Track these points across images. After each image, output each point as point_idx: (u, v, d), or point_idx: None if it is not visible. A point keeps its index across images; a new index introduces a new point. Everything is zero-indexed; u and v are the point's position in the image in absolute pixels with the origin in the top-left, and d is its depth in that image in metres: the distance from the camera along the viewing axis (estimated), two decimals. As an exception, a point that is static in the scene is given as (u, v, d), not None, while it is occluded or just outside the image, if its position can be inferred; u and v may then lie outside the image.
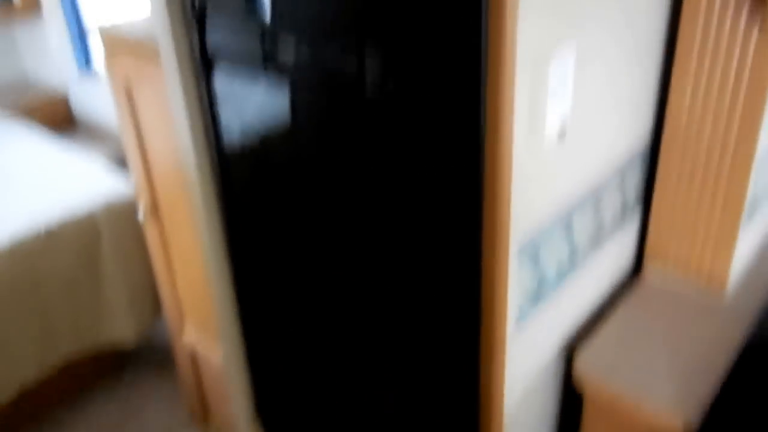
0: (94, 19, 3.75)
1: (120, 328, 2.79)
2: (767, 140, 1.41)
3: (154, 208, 2.13)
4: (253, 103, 1.38)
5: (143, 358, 3.18)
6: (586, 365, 1.34)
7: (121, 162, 3.43)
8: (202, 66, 1.46)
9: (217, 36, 1.39)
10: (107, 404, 2.93)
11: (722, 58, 1.31)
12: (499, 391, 1.21)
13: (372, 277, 1.35)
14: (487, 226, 1.07)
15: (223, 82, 1.44)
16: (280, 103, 1.33)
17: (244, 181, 1.57)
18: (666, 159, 1.46)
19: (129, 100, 1.96)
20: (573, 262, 1.32)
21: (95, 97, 3.88)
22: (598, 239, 1.40)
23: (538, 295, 1.23)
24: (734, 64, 1.30)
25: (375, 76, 1.09)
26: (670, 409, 1.21)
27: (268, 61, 1.28)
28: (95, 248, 2.68)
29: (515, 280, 1.12)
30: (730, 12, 1.26)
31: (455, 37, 0.96)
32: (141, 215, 2.18)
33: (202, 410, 2.57)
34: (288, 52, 1.23)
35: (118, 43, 1.88)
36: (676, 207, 1.49)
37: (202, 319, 2.21)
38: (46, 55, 4.08)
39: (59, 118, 4.08)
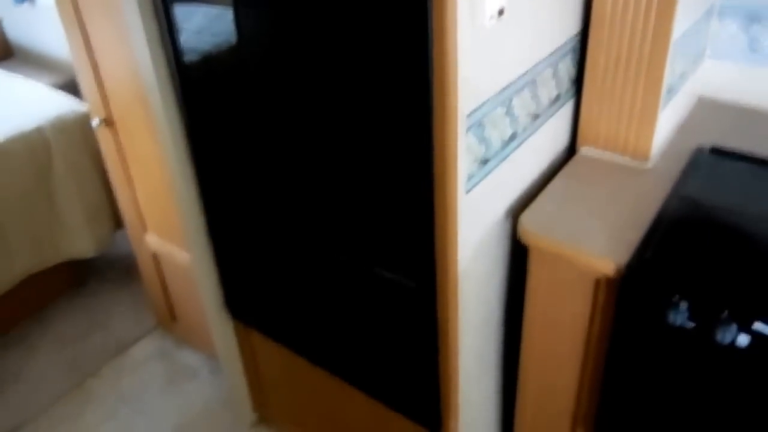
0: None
1: (79, 242, 2.84)
2: (683, 26, 1.55)
3: (108, 119, 2.17)
4: (212, 12, 1.45)
5: (105, 268, 3.26)
6: (529, 222, 1.50)
7: (64, 88, 3.41)
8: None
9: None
10: (72, 315, 3.01)
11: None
12: (453, 246, 1.35)
13: (332, 163, 1.46)
14: (437, 98, 1.18)
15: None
16: (239, 10, 1.40)
17: (204, 86, 1.63)
18: (593, 47, 1.59)
19: (75, 8, 1.96)
20: (515, 136, 1.47)
21: (32, 26, 3.80)
22: (536, 118, 1.54)
23: (485, 163, 1.37)
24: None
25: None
26: (604, 253, 1.38)
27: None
28: (46, 162, 2.71)
29: (463, 148, 1.25)
30: None
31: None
32: (95, 125, 2.22)
33: (168, 313, 2.67)
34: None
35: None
36: (604, 91, 1.63)
37: (164, 224, 2.29)
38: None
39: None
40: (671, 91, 1.64)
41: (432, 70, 1.16)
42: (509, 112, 1.41)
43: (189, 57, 1.59)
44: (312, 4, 1.26)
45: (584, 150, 1.73)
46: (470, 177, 1.33)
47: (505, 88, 1.36)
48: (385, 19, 1.17)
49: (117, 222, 2.89)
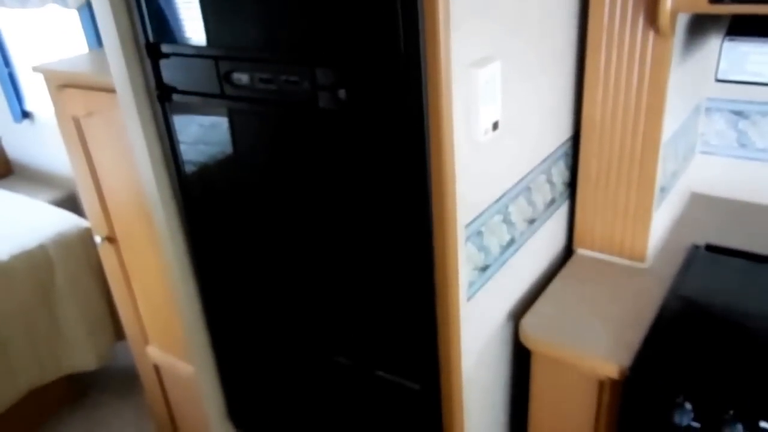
0: (25, 65, 3.74)
1: (80, 355, 2.83)
2: (672, 127, 1.60)
3: (111, 236, 2.20)
4: (213, 127, 1.50)
5: (107, 379, 3.23)
6: (530, 326, 1.50)
7: (63, 203, 3.49)
8: (159, 96, 1.54)
9: (172, 66, 1.49)
10: (73, 428, 2.96)
11: (626, 58, 1.49)
12: (456, 353, 1.36)
13: (334, 275, 1.48)
14: (436, 212, 1.22)
15: (181, 110, 1.54)
16: (240, 124, 1.45)
17: (206, 201, 1.66)
18: (585, 151, 1.64)
19: (79, 132, 2.02)
20: (513, 241, 1.49)
21: (31, 143, 3.90)
22: (533, 222, 1.57)
23: (484, 270, 1.39)
24: (636, 62, 1.48)
25: (327, 89, 1.23)
26: (606, 356, 1.38)
27: (224, 86, 1.39)
28: (48, 278, 2.73)
29: (463, 258, 1.27)
30: (629, 18, 1.44)
31: (399, 54, 1.11)
32: (98, 242, 2.25)
33: (171, 425, 2.63)
34: (243, 76, 1.36)
35: (63, 77, 1.95)
36: (598, 194, 1.67)
37: (166, 337, 2.28)
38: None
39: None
40: (664, 191, 1.68)
41: (430, 185, 1.19)
42: (506, 219, 1.43)
43: (189, 169, 1.63)
44: (310, 117, 1.30)
45: (581, 251, 1.75)
46: (471, 284, 1.34)
47: (501, 197, 1.39)
48: (384, 138, 1.21)
49: (118, 333, 2.88)
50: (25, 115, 3.83)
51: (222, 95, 1.40)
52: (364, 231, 1.36)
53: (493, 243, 1.40)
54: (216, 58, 1.37)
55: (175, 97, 1.50)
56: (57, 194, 3.67)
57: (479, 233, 1.33)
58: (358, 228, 1.36)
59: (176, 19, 1.41)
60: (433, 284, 1.30)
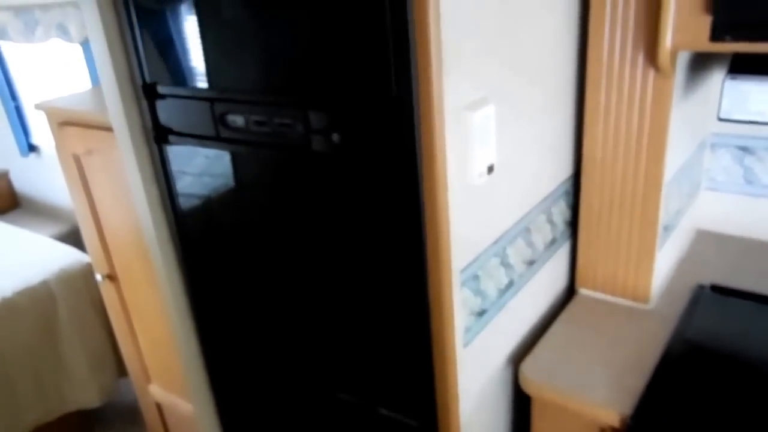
0: (31, 99, 3.79)
1: (84, 391, 2.82)
2: (675, 165, 1.58)
3: (112, 274, 2.20)
4: (210, 168, 1.49)
5: (111, 416, 3.22)
6: (530, 371, 1.47)
7: (68, 237, 3.50)
8: (156, 137, 1.54)
9: (168, 107, 1.49)
10: (77, 467, 2.94)
11: (626, 96, 1.47)
12: (453, 397, 1.33)
13: (332, 314, 1.46)
14: (430, 258, 1.20)
15: (177, 150, 1.53)
16: (235, 166, 1.44)
17: (203, 241, 1.65)
18: (586, 190, 1.62)
19: (79, 169, 2.03)
20: (511, 284, 1.46)
21: (38, 176, 3.94)
22: (532, 263, 1.54)
23: (482, 315, 1.36)
24: (637, 101, 1.46)
25: (320, 132, 1.22)
26: (607, 403, 1.35)
27: (219, 128, 1.39)
28: (52, 314, 2.74)
29: (459, 303, 1.25)
30: (628, 57, 1.43)
31: (391, 98, 1.10)
32: (99, 280, 2.25)
33: (172, 464, 2.61)
34: (238, 118, 1.35)
35: (64, 115, 1.96)
36: (600, 233, 1.64)
37: (167, 376, 2.27)
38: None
39: (2, 199, 4.13)
40: (668, 229, 1.65)
41: (424, 230, 1.17)
42: (504, 262, 1.41)
43: (186, 209, 1.63)
44: (304, 160, 1.29)
45: (583, 291, 1.72)
46: (467, 330, 1.32)
47: (498, 240, 1.37)
48: (378, 182, 1.20)
49: (121, 369, 2.87)
50: (32, 148, 3.86)
51: (217, 137, 1.40)
52: (360, 275, 1.34)
53: (491, 287, 1.38)
54: (211, 100, 1.36)
55: (172, 138, 1.50)
56: (62, 227, 3.70)
57: (475, 277, 1.31)
58: (354, 271, 1.35)
59: (172, 60, 1.41)
60: (428, 330, 1.28)
